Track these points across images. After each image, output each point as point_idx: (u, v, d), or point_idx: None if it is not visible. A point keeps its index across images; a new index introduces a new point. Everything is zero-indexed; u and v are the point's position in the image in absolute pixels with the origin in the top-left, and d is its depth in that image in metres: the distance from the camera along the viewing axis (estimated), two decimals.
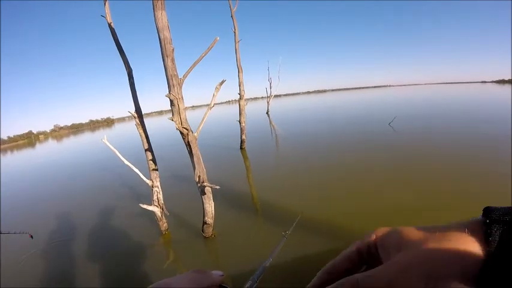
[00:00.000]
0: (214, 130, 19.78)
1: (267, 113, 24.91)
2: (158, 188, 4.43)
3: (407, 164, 7.21)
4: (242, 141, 10.92)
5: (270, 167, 8.71)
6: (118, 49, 4.25)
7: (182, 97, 3.85)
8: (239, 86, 10.40)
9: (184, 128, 3.85)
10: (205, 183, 3.93)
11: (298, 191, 6.24)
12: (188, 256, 4.12)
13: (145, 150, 4.37)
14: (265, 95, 25.67)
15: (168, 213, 4.57)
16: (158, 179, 4.43)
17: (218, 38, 4.00)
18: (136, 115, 4.24)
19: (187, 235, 4.57)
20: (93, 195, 8.13)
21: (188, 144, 3.94)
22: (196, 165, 3.96)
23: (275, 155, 10.55)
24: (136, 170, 4.33)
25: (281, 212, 5.10)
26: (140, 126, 4.28)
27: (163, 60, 3.63)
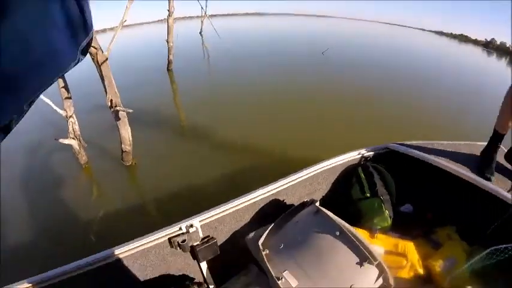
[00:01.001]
0: (140, 51, 18.55)
1: (200, 33, 23.53)
2: (73, 118, 4.09)
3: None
4: (169, 62, 10.30)
5: (199, 89, 8.56)
6: None
7: None
8: (168, 1, 9.49)
9: (93, 46, 3.51)
10: (118, 108, 3.78)
11: (227, 113, 6.38)
12: (110, 187, 4.09)
13: None
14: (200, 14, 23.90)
15: (86, 145, 4.37)
16: (72, 109, 4.06)
17: None
18: None
19: (108, 165, 4.48)
20: None
21: (98, 65, 3.64)
22: (107, 89, 3.75)
23: (206, 77, 10.35)
24: (47, 100, 3.83)
25: (209, 136, 5.23)
26: None
27: None
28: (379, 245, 1.78)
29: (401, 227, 2.05)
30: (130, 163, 4.34)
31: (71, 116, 4.05)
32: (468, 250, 1.87)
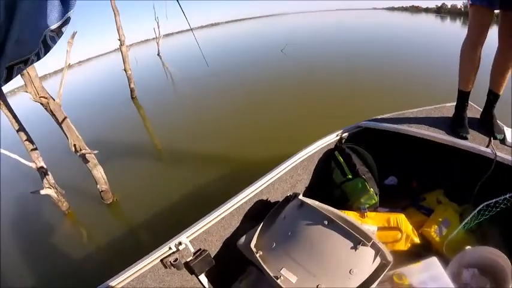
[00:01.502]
0: (101, 84, 18.33)
1: (158, 54, 23.37)
2: (44, 167, 3.93)
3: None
4: (132, 90, 10.13)
5: (167, 110, 8.47)
6: None
7: None
8: (117, 30, 9.32)
9: (42, 97, 3.40)
10: (83, 151, 3.65)
11: (202, 130, 6.30)
12: (97, 228, 3.98)
13: (17, 131, 3.72)
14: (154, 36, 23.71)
15: (64, 191, 4.21)
16: (41, 159, 3.91)
17: None
18: None
19: (90, 207, 4.32)
20: None
21: (53, 114, 3.52)
22: (68, 134, 3.65)
23: (173, 98, 10.29)
24: (14, 156, 3.72)
25: (186, 155, 5.17)
26: (3, 105, 3.58)
27: None
28: (370, 223, 1.76)
29: (389, 201, 2.04)
30: (111, 200, 4.21)
31: (41, 167, 3.90)
32: (459, 210, 1.87)
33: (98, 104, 11.38)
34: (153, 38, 23.49)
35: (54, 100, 3.52)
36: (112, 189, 4.27)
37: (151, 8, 22.03)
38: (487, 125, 1.95)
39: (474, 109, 2.15)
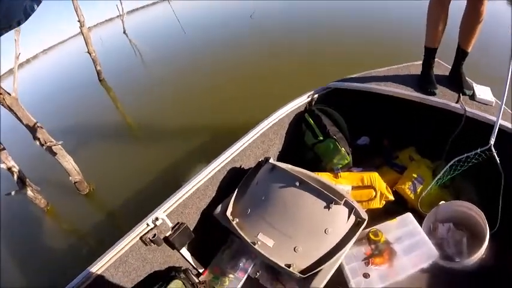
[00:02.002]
0: (63, 71, 17.85)
1: (124, 32, 22.47)
2: (15, 167, 3.76)
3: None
4: (98, 73, 9.69)
5: (138, 89, 8.18)
6: None
7: None
8: (76, 11, 8.75)
9: None
10: (48, 143, 3.51)
11: (175, 105, 6.16)
12: (78, 220, 3.88)
13: None
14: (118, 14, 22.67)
15: (39, 188, 4.07)
16: (10, 158, 3.73)
17: None
18: None
19: (69, 200, 4.18)
20: None
21: (11, 109, 3.33)
22: (28, 130, 3.42)
23: (143, 76, 9.84)
24: None
25: (161, 132, 5.06)
26: None
27: None
28: (344, 183, 1.77)
29: (362, 161, 2.07)
30: (87, 191, 4.10)
31: (12, 167, 3.74)
32: (432, 167, 1.90)
33: (64, 91, 10.96)
34: (117, 16, 22.49)
35: (9, 95, 3.31)
36: (87, 178, 4.16)
37: None
38: (456, 82, 1.94)
39: (443, 66, 2.15)
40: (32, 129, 3.51)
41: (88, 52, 9.16)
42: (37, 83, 19.19)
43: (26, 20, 0.59)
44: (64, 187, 4.31)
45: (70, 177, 3.91)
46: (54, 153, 3.65)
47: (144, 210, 3.11)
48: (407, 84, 1.99)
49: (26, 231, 4.03)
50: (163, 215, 1.57)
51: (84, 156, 4.89)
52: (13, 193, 3.80)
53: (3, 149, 3.68)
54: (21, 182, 3.83)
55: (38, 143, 3.51)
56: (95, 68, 9.62)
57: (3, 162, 3.69)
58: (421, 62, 2.06)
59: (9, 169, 3.72)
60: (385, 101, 1.98)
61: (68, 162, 3.83)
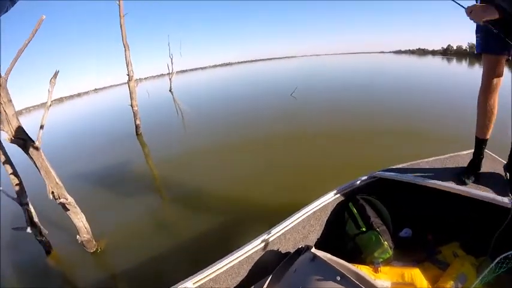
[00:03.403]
0: (105, 116, 18.66)
1: (170, 90, 23.92)
2: (28, 204, 3.71)
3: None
4: (137, 127, 10.10)
5: (175, 151, 8.11)
6: None
7: (9, 100, 3.19)
8: (126, 65, 9.61)
9: (19, 138, 3.21)
10: (62, 200, 3.44)
11: (209, 172, 6.04)
12: (80, 275, 3.69)
13: (3, 163, 3.52)
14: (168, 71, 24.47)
15: (47, 232, 3.96)
16: (26, 195, 3.71)
17: (44, 17, 3.30)
18: None
19: (74, 252, 3.98)
20: None
21: (31, 157, 3.33)
22: (46, 180, 3.46)
23: (182, 136, 10.02)
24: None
25: (189, 198, 4.95)
26: None
27: None
28: (384, 279, 1.72)
29: (403, 254, 2.02)
30: (94, 249, 3.93)
31: (26, 203, 3.69)
32: (476, 263, 1.82)
33: (100, 137, 11.30)
34: (167, 74, 24.23)
35: (33, 142, 3.32)
36: (99, 234, 4.04)
37: (166, 44, 22.91)
38: (508, 176, 1.91)
39: (492, 158, 2.16)
40: (48, 180, 3.45)
41: (131, 105, 9.67)
42: (76, 121, 20.46)
43: (12, 5, 0.66)
44: (72, 237, 4.07)
45: (78, 236, 3.79)
46: (67, 209, 3.59)
47: (151, 280, 3.07)
48: (454, 176, 1.98)
49: (24, 267, 3.91)
50: (192, 286, 1.54)
51: (102, 208, 4.88)
52: (28, 229, 3.73)
53: (21, 183, 3.65)
54: (30, 220, 3.75)
55: (51, 196, 3.44)
56: (134, 121, 10.08)
57: (18, 198, 3.65)
58: (468, 152, 2.10)
59: (22, 205, 3.68)
60: (430, 192, 1.97)
61: (79, 220, 3.73)
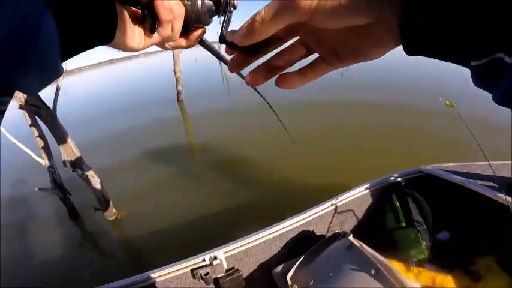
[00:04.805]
0: (147, 81, 19.26)
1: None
2: (53, 167, 3.77)
3: None
4: (178, 93, 10.09)
5: (216, 118, 7.92)
6: None
7: None
8: None
9: (32, 105, 3.14)
10: (77, 170, 3.38)
11: (249, 142, 5.77)
12: (99, 239, 3.89)
13: (30, 125, 3.55)
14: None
15: (71, 194, 4.06)
16: (51, 158, 3.76)
17: None
18: None
19: (95, 217, 4.08)
20: None
21: (46, 123, 3.29)
22: (61, 149, 3.45)
23: (224, 105, 9.49)
24: (27, 149, 3.56)
25: (224, 168, 4.85)
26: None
27: None
28: (414, 279, 1.73)
29: (438, 257, 1.96)
30: (114, 218, 3.98)
31: (51, 166, 3.74)
32: (509, 283, 1.77)
33: (140, 102, 11.48)
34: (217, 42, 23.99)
35: (48, 108, 3.24)
36: (122, 204, 4.09)
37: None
38: None
39: None
40: (63, 149, 3.44)
41: (174, 71, 9.58)
42: (116, 86, 21.47)
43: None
44: (94, 203, 4.14)
45: (98, 203, 3.84)
46: (84, 178, 3.55)
47: (169, 253, 2.96)
48: (506, 185, 1.84)
49: (45, 229, 4.11)
50: (222, 255, 1.61)
51: (129, 177, 4.92)
52: (48, 190, 3.84)
53: (47, 146, 3.69)
54: (54, 181, 3.82)
55: (65, 165, 3.40)
56: (176, 87, 10.04)
57: (43, 159, 3.71)
58: None
59: (48, 167, 3.74)
60: (477, 198, 1.86)
61: (97, 190, 3.72)
